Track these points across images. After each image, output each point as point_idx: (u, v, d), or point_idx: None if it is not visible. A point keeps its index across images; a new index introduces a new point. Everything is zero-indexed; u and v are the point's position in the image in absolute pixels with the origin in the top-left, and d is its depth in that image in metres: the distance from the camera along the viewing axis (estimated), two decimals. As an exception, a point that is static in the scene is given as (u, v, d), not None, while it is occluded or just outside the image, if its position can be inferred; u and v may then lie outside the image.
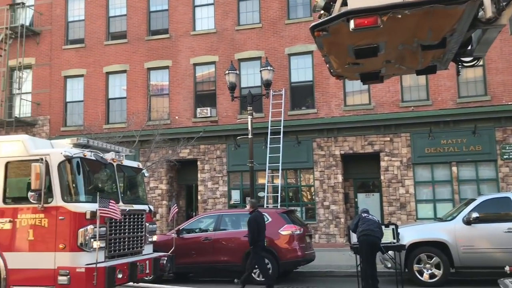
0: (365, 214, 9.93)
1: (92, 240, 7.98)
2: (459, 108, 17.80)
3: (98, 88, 21.64)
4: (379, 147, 18.49)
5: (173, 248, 10.47)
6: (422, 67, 5.43)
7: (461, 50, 5.26)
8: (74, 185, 8.35)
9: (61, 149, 8.40)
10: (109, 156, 9.13)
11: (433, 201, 17.94)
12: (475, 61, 5.69)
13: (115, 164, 9.26)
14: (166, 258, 9.76)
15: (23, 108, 22.21)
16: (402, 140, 18.31)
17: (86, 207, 8.09)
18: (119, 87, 21.58)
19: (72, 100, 22.06)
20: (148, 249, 9.78)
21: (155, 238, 10.14)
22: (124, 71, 21.45)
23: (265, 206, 17.55)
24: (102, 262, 8.15)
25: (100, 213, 7.93)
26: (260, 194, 19.19)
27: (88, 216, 8.03)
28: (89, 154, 8.54)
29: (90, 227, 8.00)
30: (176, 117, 20.52)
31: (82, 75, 21.93)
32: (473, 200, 11.10)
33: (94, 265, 7.74)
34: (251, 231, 10.72)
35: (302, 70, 19.75)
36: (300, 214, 19.00)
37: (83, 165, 8.49)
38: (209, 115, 19.99)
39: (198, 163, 20.26)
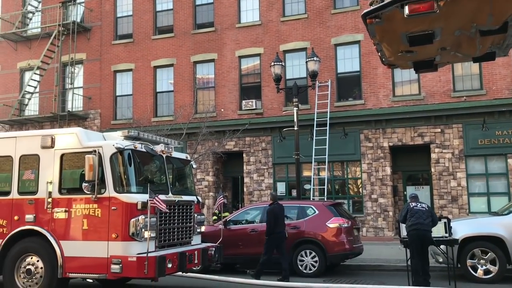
0: (414, 204, 9.61)
1: (143, 230, 8.13)
2: (515, 97, 16.99)
3: (146, 82, 22.10)
4: (429, 138, 17.93)
5: (220, 239, 10.56)
6: (480, 54, 5.16)
7: None
8: (125, 176, 8.52)
9: (113, 141, 8.59)
10: (158, 148, 9.27)
11: (487, 194, 17.25)
12: None
13: (164, 156, 9.40)
14: (214, 249, 9.85)
15: (75, 102, 23.01)
16: (453, 131, 17.68)
17: (138, 198, 8.25)
18: (166, 81, 21.95)
19: (122, 94, 22.65)
20: (196, 240, 9.89)
21: (203, 228, 10.26)
22: (171, 65, 21.79)
23: (311, 199, 17.42)
24: (153, 251, 8.30)
25: (151, 203, 8.08)
26: (306, 186, 19.07)
27: (139, 207, 8.18)
28: (139, 146, 8.70)
29: (141, 217, 8.15)
30: (222, 110, 20.67)
31: (130, 70, 22.45)
32: (532, 193, 10.57)
33: (145, 255, 7.90)
34: (268, 222, 10.96)
35: (348, 61, 19.40)
36: (347, 207, 18.73)
37: (134, 156, 8.65)
38: (254, 107, 20.02)
39: (244, 155, 20.35)
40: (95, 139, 8.95)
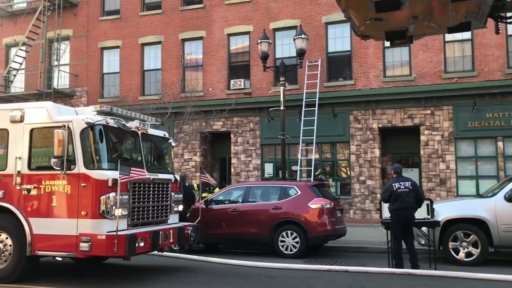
0: (397, 186, 9.37)
1: (114, 207, 7.90)
2: (508, 79, 16.67)
3: (133, 60, 21.68)
4: (419, 120, 17.67)
5: (199, 218, 10.34)
6: (454, 23, 4.83)
7: (499, 2, 4.64)
8: (96, 152, 8.24)
9: (84, 116, 8.30)
10: (133, 124, 8.98)
11: (476, 177, 17.07)
12: None
13: (139, 132, 9.12)
14: (191, 228, 9.64)
15: (61, 79, 22.58)
16: (444, 113, 17.41)
17: (108, 175, 7.99)
18: (154, 59, 21.53)
19: (109, 72, 22.24)
20: (173, 219, 9.68)
21: (180, 207, 10.02)
22: (159, 42, 21.36)
23: (297, 180, 17.20)
24: (124, 230, 8.09)
25: (122, 179, 7.82)
26: (294, 167, 18.84)
27: (110, 184, 7.93)
28: (112, 122, 8.40)
29: (112, 194, 7.90)
30: (210, 89, 20.31)
31: (118, 47, 22.00)
32: (517, 175, 10.36)
33: (115, 233, 7.67)
34: None
35: (339, 40, 19.02)
36: (335, 189, 18.59)
37: (106, 132, 8.36)
38: (242, 87, 19.65)
39: (232, 135, 20.07)
40: (66, 113, 8.65)
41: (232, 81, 19.90)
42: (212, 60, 20.49)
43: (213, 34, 20.54)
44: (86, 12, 22.60)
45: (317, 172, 17.56)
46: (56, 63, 22.57)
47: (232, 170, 19.99)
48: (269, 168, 19.68)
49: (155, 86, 21.09)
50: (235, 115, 19.80)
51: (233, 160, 20.00)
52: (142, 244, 8.16)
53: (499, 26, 5.21)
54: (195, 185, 15.94)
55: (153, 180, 8.95)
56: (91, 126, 8.11)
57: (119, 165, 7.81)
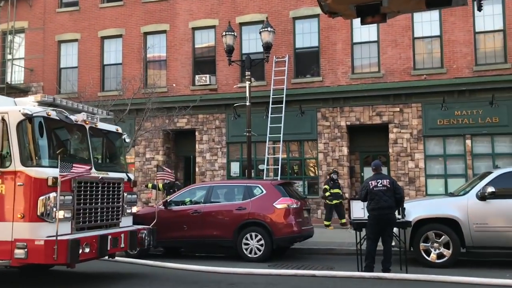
0: (373, 184, 8.78)
1: (54, 209, 7.06)
2: (476, 76, 16.48)
3: (93, 54, 20.61)
4: (387, 118, 17.30)
5: (155, 220, 9.54)
6: None
7: None
8: (35, 147, 7.36)
9: (21, 107, 7.41)
10: (80, 117, 8.13)
11: (445, 176, 16.81)
12: None
13: (87, 126, 8.28)
14: (145, 232, 8.85)
15: (16, 74, 21.29)
16: (412, 110, 17.09)
17: (48, 173, 7.16)
18: (114, 53, 20.51)
19: (66, 66, 21.09)
20: (126, 222, 8.89)
21: (134, 209, 9.24)
22: (119, 36, 20.37)
23: (264, 179, 16.54)
24: (67, 234, 7.27)
25: (63, 178, 6.98)
26: (261, 166, 18.20)
27: (50, 183, 7.11)
28: (53, 113, 7.54)
29: (52, 195, 7.09)
30: (174, 85, 19.46)
31: (76, 40, 20.89)
32: (489, 173, 9.97)
33: (54, 238, 6.83)
34: None
35: (307, 35, 18.49)
36: (303, 188, 18.04)
37: (47, 125, 7.50)
38: (208, 82, 18.88)
39: (196, 133, 19.27)
40: (3, 104, 7.75)
41: (197, 77, 19.11)
42: (176, 55, 19.64)
43: (177, 27, 19.69)
44: (43, 3, 21.37)
45: (332, 169, 16.88)
46: (9, 56, 21.25)
47: (197, 169, 19.19)
48: (235, 167, 18.98)
49: (116, 82, 20.07)
50: (200, 112, 19.02)
51: (198, 159, 19.20)
52: (87, 250, 7.35)
53: (482, 2, 4.65)
54: (160, 185, 15.15)
55: (102, 179, 8.13)
56: (29, 118, 7.24)
57: (58, 162, 6.97)
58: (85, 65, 20.60)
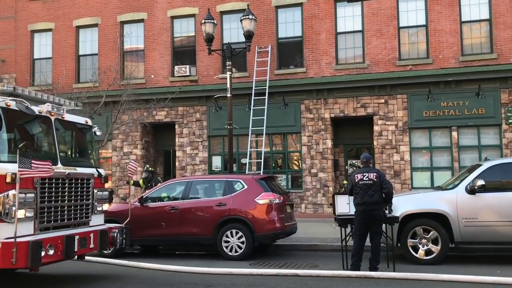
0: (359, 178, 8.31)
1: (14, 208, 6.45)
2: (462, 67, 16.14)
3: (67, 44, 19.80)
4: (372, 109, 16.90)
5: (128, 218, 8.98)
6: None
7: None
8: (-8, 141, 6.73)
9: (-24, 96, 6.76)
10: (44, 108, 7.50)
11: (430, 169, 16.50)
12: None
13: (52, 118, 7.65)
14: (116, 231, 8.26)
15: (-14, 65, 20.38)
16: (398, 102, 16.71)
17: (7, 168, 6.55)
18: (90, 43, 19.71)
19: (40, 57, 20.24)
20: (97, 220, 8.29)
21: (106, 207, 8.62)
22: (95, 25, 19.58)
23: (247, 173, 16.04)
24: (29, 235, 6.66)
25: (21, 174, 6.36)
26: (243, 160, 17.69)
27: (8, 179, 6.50)
28: (13, 104, 6.90)
29: (11, 192, 6.49)
30: (152, 76, 18.78)
31: (50, 29, 20.04)
32: (479, 165, 9.59)
33: (12, 240, 6.23)
34: None
35: (290, 25, 17.94)
36: (286, 182, 17.58)
37: (7, 117, 6.86)
38: (188, 73, 18.26)
39: (176, 126, 18.64)
40: (-41, 94, 7.08)
41: (176, 68, 18.46)
42: (154, 45, 18.94)
43: (155, 16, 18.98)
44: (14, -10, 20.46)
45: (352, 162, 16.29)
46: (-21, 46, 20.33)
47: (177, 164, 18.59)
48: (217, 162, 18.42)
49: (92, 73, 19.27)
50: (180, 104, 18.39)
51: (178, 153, 18.59)
52: (51, 252, 6.77)
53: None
54: (140, 181, 14.52)
55: (68, 174, 7.52)
56: (-15, 109, 6.59)
57: (17, 157, 6.35)
58: (60, 56, 19.78)
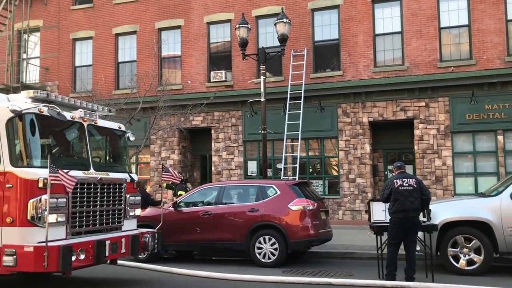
0: (399, 183, 7.95)
1: (46, 213, 6.53)
2: (508, 67, 15.40)
3: (107, 51, 20.26)
4: (412, 113, 16.37)
5: (160, 223, 8.97)
6: None
7: None
8: (26, 146, 6.84)
9: (10, 103, 6.90)
10: (77, 114, 7.60)
11: (474, 174, 15.80)
12: None
13: (85, 124, 7.74)
14: (148, 236, 8.26)
15: (31, 73, 21.10)
16: (439, 105, 16.12)
17: (39, 173, 6.63)
18: (129, 50, 20.09)
19: (81, 65, 20.80)
20: (130, 225, 8.31)
21: (138, 211, 8.65)
22: (134, 32, 19.96)
23: (281, 179, 15.85)
24: (61, 240, 6.73)
25: (52, 180, 6.44)
26: (279, 165, 17.50)
27: (41, 184, 6.59)
28: (45, 110, 7.01)
29: (44, 197, 6.56)
30: (189, 82, 18.93)
31: (91, 37, 20.58)
32: (525, 171, 9.05)
33: (44, 244, 6.30)
34: None
35: (326, 27, 17.68)
36: (323, 187, 17.28)
37: (40, 123, 6.98)
38: (223, 79, 18.30)
39: (212, 131, 18.70)
40: (-6, 101, 7.26)
41: (212, 73, 18.54)
42: (190, 51, 19.10)
43: (192, 22, 19.15)
44: (57, 1, 21.12)
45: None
46: (24, 56, 21.08)
47: (213, 168, 18.62)
48: (252, 166, 18.33)
49: (131, 79, 19.62)
50: (216, 109, 18.44)
51: (214, 158, 18.63)
52: (82, 256, 6.80)
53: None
54: (164, 184, 14.56)
55: (101, 180, 7.58)
56: (19, 115, 6.72)
57: (49, 162, 6.43)
58: (100, 63, 20.27)
